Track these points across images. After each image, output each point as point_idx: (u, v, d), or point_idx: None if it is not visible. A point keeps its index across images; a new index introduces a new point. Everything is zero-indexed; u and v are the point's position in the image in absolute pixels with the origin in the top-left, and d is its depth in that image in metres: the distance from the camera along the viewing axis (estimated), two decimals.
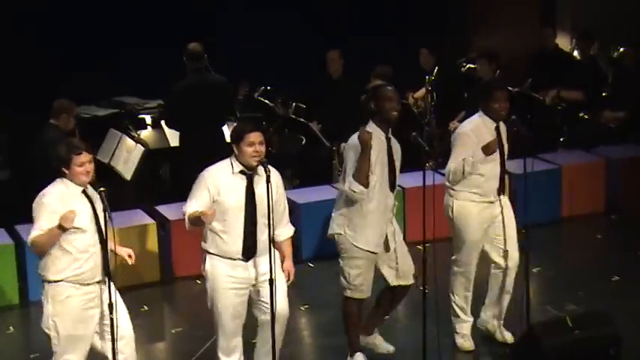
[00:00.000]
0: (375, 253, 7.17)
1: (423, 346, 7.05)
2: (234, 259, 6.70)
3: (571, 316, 7.23)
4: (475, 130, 7.45)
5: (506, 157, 7.53)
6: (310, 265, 9.60)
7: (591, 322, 7.10)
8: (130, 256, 6.71)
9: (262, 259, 6.70)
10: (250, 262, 6.70)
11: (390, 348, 7.55)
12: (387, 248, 7.21)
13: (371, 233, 7.11)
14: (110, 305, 6.25)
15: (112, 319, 6.27)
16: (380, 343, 7.58)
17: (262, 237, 6.66)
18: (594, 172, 10.87)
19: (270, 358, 6.74)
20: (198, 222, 6.56)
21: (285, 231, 6.94)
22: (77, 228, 6.27)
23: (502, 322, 7.78)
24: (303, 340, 8.23)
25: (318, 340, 8.27)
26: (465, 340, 7.70)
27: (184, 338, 8.21)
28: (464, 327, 7.71)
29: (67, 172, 6.36)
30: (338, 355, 7.72)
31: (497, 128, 7.47)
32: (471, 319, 7.73)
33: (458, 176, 7.45)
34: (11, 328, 8.53)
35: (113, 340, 6.30)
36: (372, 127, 7.09)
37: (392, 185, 7.16)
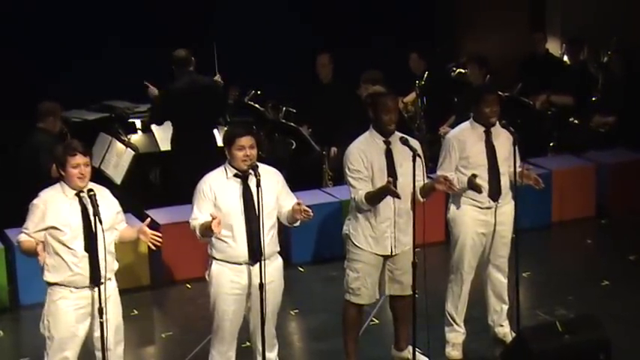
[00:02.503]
0: (376, 255, 7.11)
1: (412, 351, 7.07)
2: (241, 264, 6.66)
3: (561, 320, 7.23)
4: (459, 136, 7.46)
5: (501, 161, 7.41)
6: (300, 269, 9.58)
7: (581, 326, 7.11)
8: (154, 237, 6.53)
9: (268, 264, 6.62)
10: (257, 267, 6.60)
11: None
12: (390, 252, 7.15)
13: (373, 234, 7.08)
14: (100, 310, 6.22)
15: (101, 324, 6.24)
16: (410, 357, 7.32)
17: (267, 238, 6.64)
18: (584, 177, 10.88)
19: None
20: (209, 232, 6.51)
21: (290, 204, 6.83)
22: (60, 230, 6.25)
23: (508, 327, 7.75)
24: (292, 344, 8.22)
25: (308, 345, 8.26)
26: (453, 350, 7.66)
27: (175, 342, 8.20)
28: (453, 336, 7.67)
29: (63, 174, 6.33)
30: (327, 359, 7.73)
31: (488, 132, 7.44)
32: (462, 330, 7.67)
33: None
34: (1, 332, 8.52)
35: (103, 344, 6.27)
36: (372, 132, 7.11)
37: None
